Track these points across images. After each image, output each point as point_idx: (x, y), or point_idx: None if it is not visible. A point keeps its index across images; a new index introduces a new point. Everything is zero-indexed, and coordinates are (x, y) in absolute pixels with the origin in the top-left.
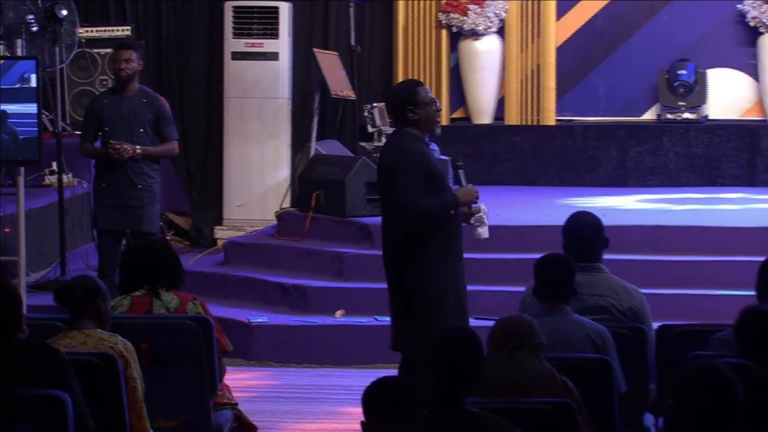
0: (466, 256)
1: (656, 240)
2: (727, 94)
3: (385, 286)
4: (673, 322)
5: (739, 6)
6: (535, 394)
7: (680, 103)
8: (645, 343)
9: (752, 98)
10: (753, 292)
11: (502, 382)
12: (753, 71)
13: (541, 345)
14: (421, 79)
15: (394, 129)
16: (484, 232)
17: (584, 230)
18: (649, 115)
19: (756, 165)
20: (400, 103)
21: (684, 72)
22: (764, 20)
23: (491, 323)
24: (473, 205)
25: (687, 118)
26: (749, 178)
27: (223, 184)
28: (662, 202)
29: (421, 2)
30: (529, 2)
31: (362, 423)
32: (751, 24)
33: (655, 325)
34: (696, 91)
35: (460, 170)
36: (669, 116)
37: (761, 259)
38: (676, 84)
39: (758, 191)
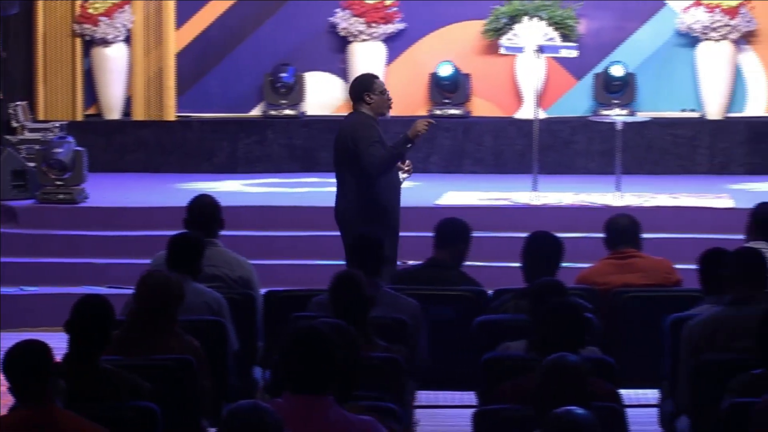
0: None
1: (262, 218)
2: (322, 93)
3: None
4: (277, 288)
5: (331, 18)
6: (171, 353)
7: (282, 101)
8: (254, 307)
9: (342, 97)
10: (342, 262)
11: (139, 345)
12: (342, 73)
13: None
14: (58, 81)
15: (353, 110)
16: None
17: (204, 209)
18: (256, 112)
19: None
20: (360, 89)
21: (285, 74)
22: (352, 31)
23: (127, 291)
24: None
25: (288, 114)
26: None
27: None
28: (267, 186)
29: (58, 13)
30: (152, 14)
31: (8, 389)
32: (342, 34)
33: (263, 291)
34: (295, 91)
35: (407, 146)
36: (272, 112)
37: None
38: (278, 85)
39: None
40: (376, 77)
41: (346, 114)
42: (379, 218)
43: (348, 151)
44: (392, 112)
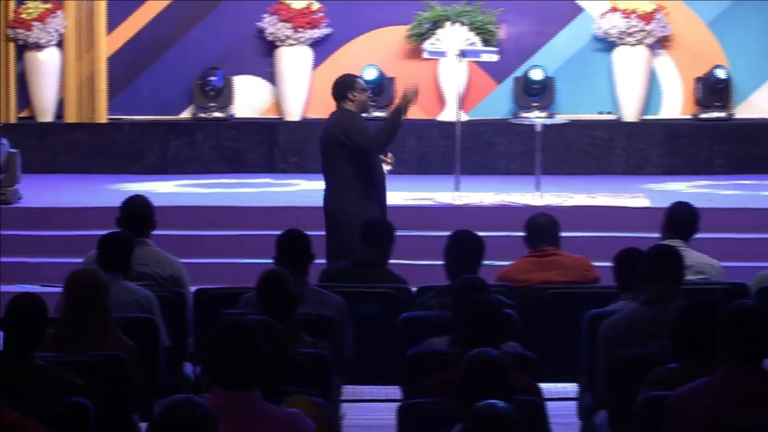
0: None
1: (192, 217)
2: (250, 97)
3: None
4: (207, 286)
5: (258, 23)
6: (104, 350)
7: (211, 104)
8: (184, 304)
9: (270, 100)
10: (270, 260)
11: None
12: (270, 77)
13: (107, 310)
14: None
15: (337, 108)
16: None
17: (137, 209)
18: (186, 114)
19: (274, 155)
20: (344, 87)
21: (214, 78)
22: (279, 35)
23: (60, 289)
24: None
25: (217, 117)
26: (269, 166)
27: None
28: (197, 187)
29: None
30: (84, 18)
31: None
32: (269, 38)
33: (193, 289)
34: (224, 94)
35: None
36: (202, 115)
37: (279, 232)
38: (207, 88)
39: (277, 177)
40: (357, 76)
41: (272, 116)
42: (371, 208)
43: (337, 143)
44: (320, 115)
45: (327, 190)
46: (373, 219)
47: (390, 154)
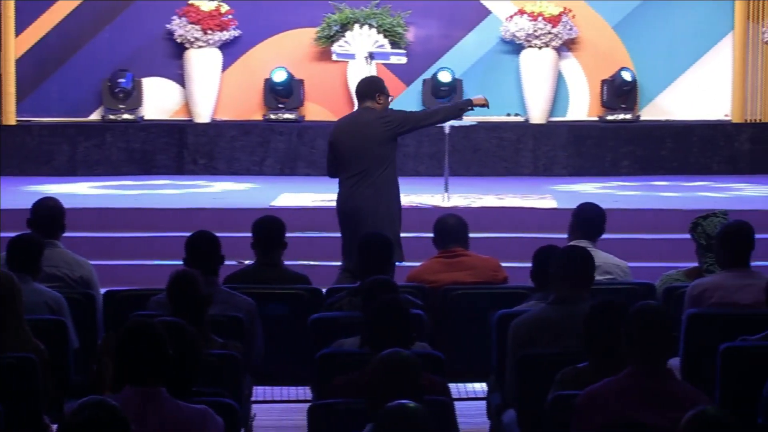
0: None
1: (102, 219)
2: (159, 98)
3: None
4: (117, 288)
5: (168, 25)
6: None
7: (120, 106)
8: (94, 306)
9: (180, 101)
10: (179, 262)
11: None
12: (179, 79)
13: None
14: None
15: (360, 105)
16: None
17: (48, 211)
18: (95, 116)
19: (184, 157)
20: (374, 88)
21: (123, 80)
22: (189, 37)
23: None
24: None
25: (126, 119)
26: (178, 167)
27: None
28: (107, 189)
29: None
30: None
31: None
32: (178, 40)
33: (103, 290)
34: (133, 96)
35: None
36: (111, 117)
37: (189, 233)
38: (116, 90)
39: (186, 178)
40: (384, 81)
41: (181, 119)
42: (397, 201)
43: (376, 138)
44: (227, 116)
45: (354, 191)
46: (270, 219)
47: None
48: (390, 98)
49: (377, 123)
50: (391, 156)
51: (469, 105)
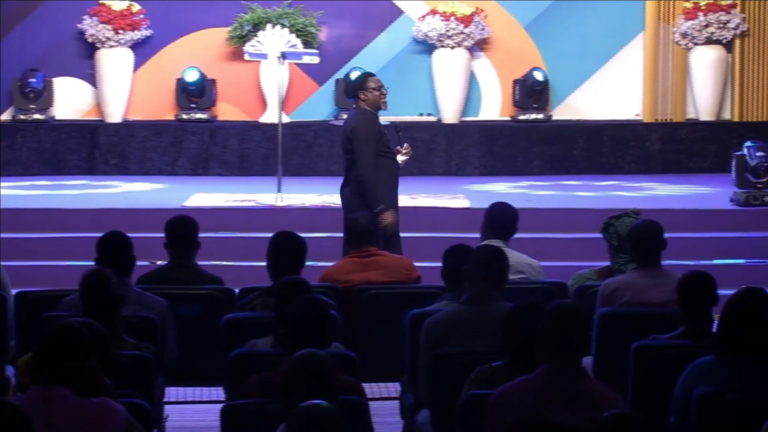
0: None
1: (13, 220)
2: (71, 98)
3: None
4: (29, 288)
5: (79, 25)
6: None
7: (31, 106)
8: (5, 307)
9: (91, 102)
10: (91, 262)
11: None
12: (91, 79)
13: None
14: None
15: (354, 106)
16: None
17: None
18: (6, 116)
19: (95, 157)
20: (355, 87)
21: (34, 80)
22: (100, 37)
23: None
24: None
25: (37, 119)
26: (90, 168)
27: None
28: (17, 189)
29: None
30: None
31: None
32: (90, 40)
33: (14, 291)
34: (44, 96)
35: (399, 133)
36: (22, 117)
37: (100, 234)
38: (27, 90)
39: (97, 179)
40: (371, 75)
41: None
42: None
43: (348, 142)
44: (141, 117)
45: (343, 180)
46: (183, 218)
47: (406, 144)
48: (379, 89)
49: (347, 126)
50: (349, 157)
51: (376, 209)
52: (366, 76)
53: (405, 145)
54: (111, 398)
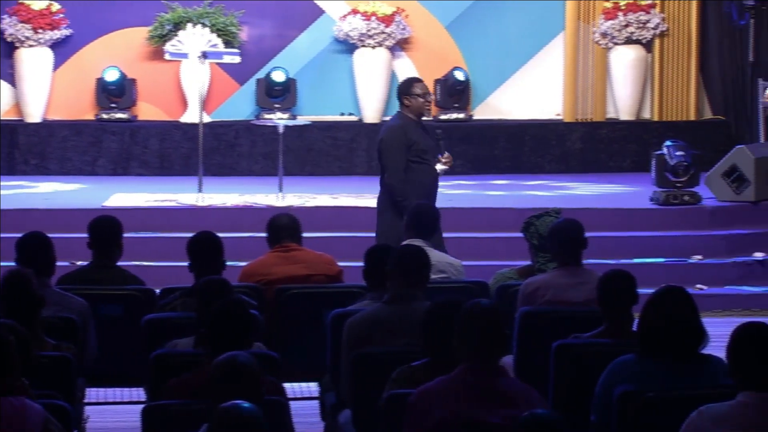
0: None
1: None
2: None
3: None
4: None
5: None
6: None
7: None
8: None
9: (10, 101)
10: (12, 263)
11: None
12: (10, 79)
13: None
14: None
15: (398, 110)
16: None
17: None
18: None
19: (15, 157)
20: (400, 92)
21: None
22: (19, 36)
23: None
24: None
25: None
26: (9, 168)
27: None
28: None
29: None
30: None
31: None
32: (9, 39)
33: None
34: None
35: (440, 142)
36: None
37: (20, 234)
38: None
39: (17, 179)
40: (418, 80)
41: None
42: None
43: (378, 150)
44: (59, 116)
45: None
46: (105, 218)
47: (447, 154)
48: (425, 95)
49: (381, 131)
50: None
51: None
52: (412, 81)
53: (446, 154)
54: (29, 398)
